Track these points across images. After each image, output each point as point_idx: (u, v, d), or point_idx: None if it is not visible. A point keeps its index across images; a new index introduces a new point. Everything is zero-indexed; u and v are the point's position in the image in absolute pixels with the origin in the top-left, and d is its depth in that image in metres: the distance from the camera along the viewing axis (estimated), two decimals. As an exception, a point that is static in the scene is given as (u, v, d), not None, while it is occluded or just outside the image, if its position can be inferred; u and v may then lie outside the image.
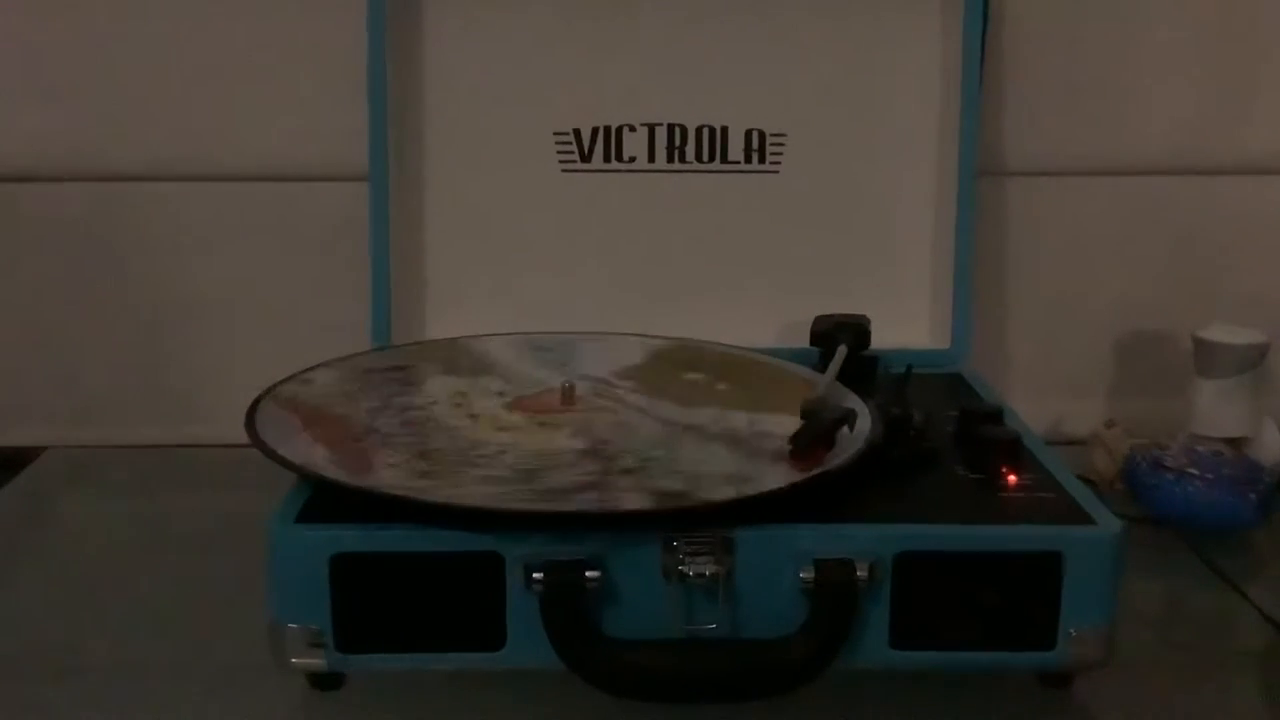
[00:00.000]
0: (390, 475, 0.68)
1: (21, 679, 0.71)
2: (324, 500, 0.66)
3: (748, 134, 0.95)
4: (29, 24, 0.98)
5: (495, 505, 0.63)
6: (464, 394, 0.80)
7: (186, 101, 0.99)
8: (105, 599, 0.80)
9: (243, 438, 0.70)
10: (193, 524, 0.91)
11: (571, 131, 0.95)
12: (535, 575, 0.63)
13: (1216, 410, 0.92)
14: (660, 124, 0.95)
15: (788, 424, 0.71)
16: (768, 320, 0.94)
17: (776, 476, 0.67)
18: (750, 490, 0.65)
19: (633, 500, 0.65)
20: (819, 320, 0.88)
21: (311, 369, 0.81)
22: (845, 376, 0.79)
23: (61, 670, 0.72)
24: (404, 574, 0.63)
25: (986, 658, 0.65)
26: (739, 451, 0.71)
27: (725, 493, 0.65)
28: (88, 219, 1.01)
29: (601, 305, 0.94)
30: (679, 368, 0.85)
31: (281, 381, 0.79)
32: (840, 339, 0.84)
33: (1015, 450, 0.72)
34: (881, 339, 0.87)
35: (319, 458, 0.69)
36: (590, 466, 0.69)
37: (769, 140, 0.95)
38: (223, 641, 0.74)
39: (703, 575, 0.63)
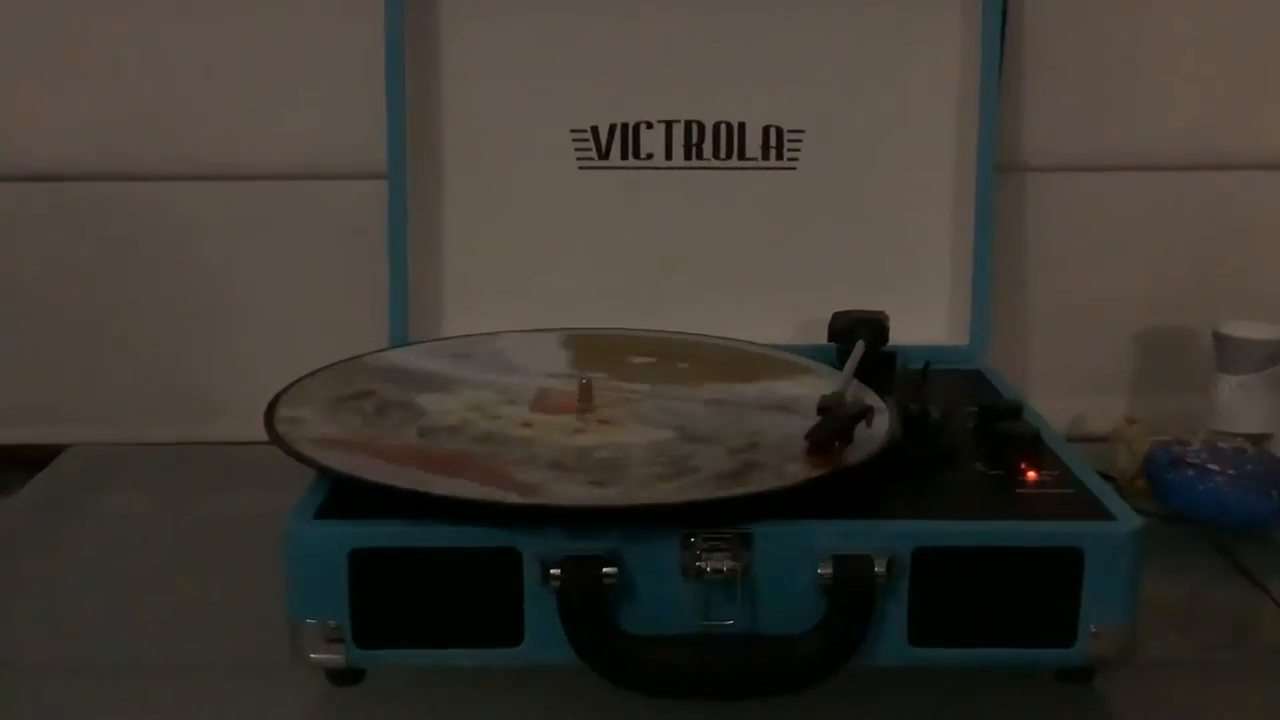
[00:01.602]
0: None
1: (43, 675, 0.72)
2: (342, 496, 0.66)
3: (765, 130, 0.95)
4: (43, 24, 0.98)
5: (513, 500, 0.63)
6: (477, 407, 0.78)
7: (206, 101, 0.99)
8: (126, 595, 0.80)
9: (262, 435, 0.70)
10: (213, 521, 0.92)
11: (589, 129, 0.95)
12: (553, 571, 0.63)
13: (1238, 406, 0.92)
14: (678, 121, 0.95)
15: (783, 388, 0.72)
16: (785, 316, 0.94)
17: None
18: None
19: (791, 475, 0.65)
20: (837, 316, 0.88)
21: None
22: (864, 373, 0.79)
23: (83, 666, 0.72)
24: (422, 570, 0.64)
25: (1006, 654, 0.65)
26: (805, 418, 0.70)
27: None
28: (109, 218, 1.01)
29: (618, 302, 0.94)
30: (618, 355, 0.85)
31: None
32: (858, 335, 0.84)
33: (1034, 446, 0.72)
34: (900, 335, 0.87)
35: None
36: (716, 453, 0.69)
37: (786, 137, 0.95)
38: (242, 637, 0.74)
39: (720, 571, 0.63)
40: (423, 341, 0.90)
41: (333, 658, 0.65)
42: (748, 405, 0.76)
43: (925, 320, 0.95)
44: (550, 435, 0.73)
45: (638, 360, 0.84)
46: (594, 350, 0.87)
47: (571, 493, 0.65)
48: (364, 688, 0.67)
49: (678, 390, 0.80)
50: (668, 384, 0.81)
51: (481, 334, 0.90)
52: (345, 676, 0.67)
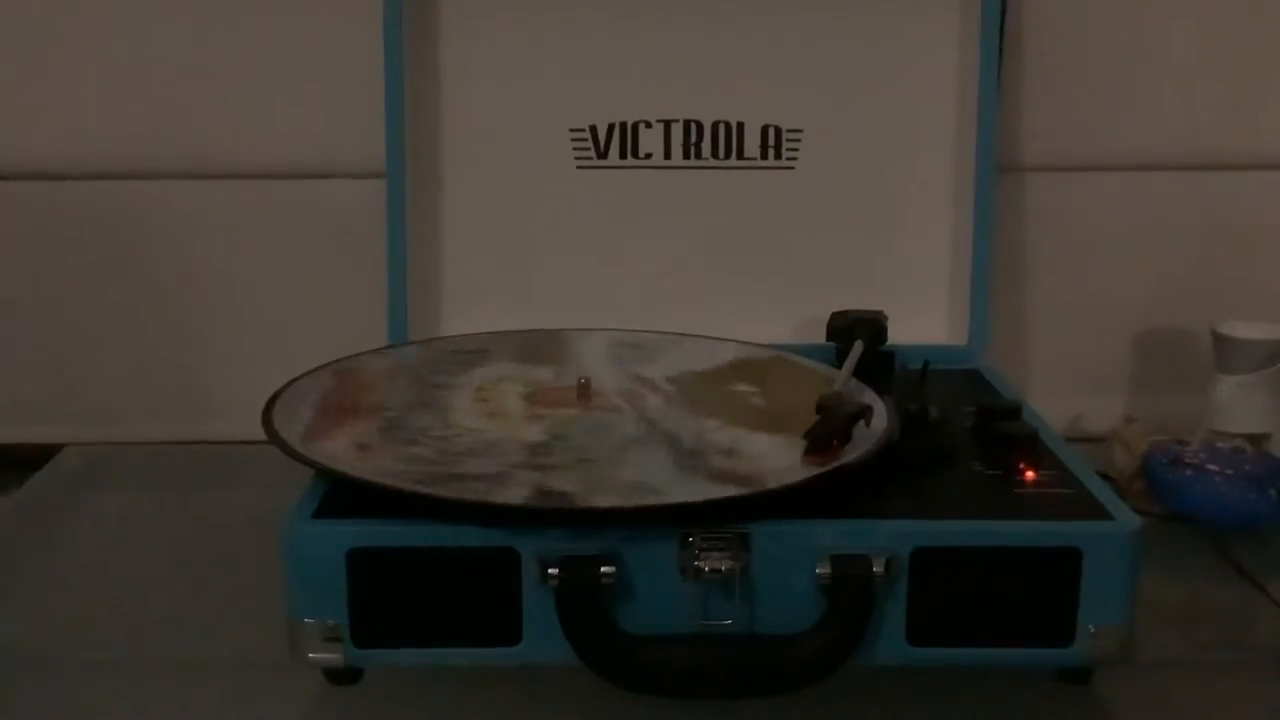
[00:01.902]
0: (335, 445, 0.69)
1: (41, 674, 0.72)
2: (341, 496, 0.66)
3: (764, 130, 0.95)
4: (41, 24, 0.98)
5: (512, 501, 0.63)
6: (502, 379, 0.81)
7: (205, 100, 0.99)
8: (124, 595, 0.80)
9: (260, 434, 0.70)
10: (212, 520, 0.92)
11: (588, 128, 0.95)
12: (551, 571, 0.63)
13: (1236, 406, 0.92)
14: (676, 120, 0.95)
15: (770, 444, 0.71)
16: (785, 316, 0.94)
17: (694, 491, 0.66)
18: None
19: (507, 494, 0.64)
20: (836, 316, 0.88)
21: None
22: (862, 372, 0.79)
23: (81, 665, 0.72)
24: (420, 569, 0.64)
25: (1004, 654, 0.65)
26: (677, 464, 0.70)
27: (609, 500, 0.64)
28: (105, 217, 1.01)
29: (618, 301, 0.94)
30: (740, 378, 0.83)
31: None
32: (857, 335, 0.84)
33: (1033, 446, 0.72)
34: (899, 335, 0.87)
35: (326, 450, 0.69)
36: (514, 458, 0.70)
37: (785, 136, 0.95)
38: (241, 636, 0.74)
39: (719, 571, 0.63)
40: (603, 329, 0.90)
41: (331, 657, 0.65)
42: (673, 440, 0.74)
43: (924, 320, 0.95)
44: (466, 419, 0.75)
45: (738, 387, 0.81)
46: (732, 370, 0.85)
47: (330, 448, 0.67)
48: (362, 687, 0.67)
49: (672, 415, 0.77)
50: (682, 409, 0.78)
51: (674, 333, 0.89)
52: (343, 676, 0.67)
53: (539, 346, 0.87)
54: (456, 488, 0.65)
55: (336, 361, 0.82)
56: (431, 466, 0.68)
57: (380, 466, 0.68)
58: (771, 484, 0.65)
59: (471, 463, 0.69)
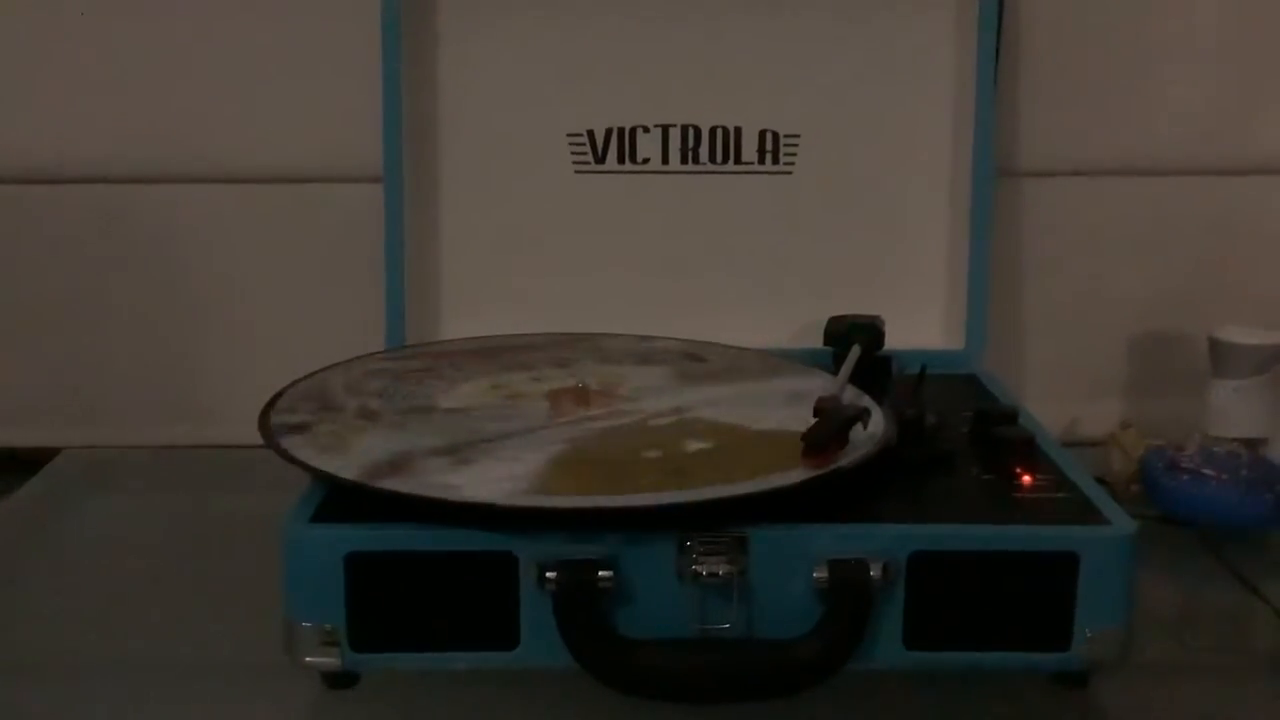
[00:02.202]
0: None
1: (38, 678, 0.72)
2: (338, 500, 0.66)
3: (761, 135, 0.95)
4: (38, 27, 0.98)
5: (508, 503, 0.63)
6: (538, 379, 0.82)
7: (202, 103, 0.99)
8: (121, 599, 0.80)
9: (258, 438, 0.70)
10: (208, 524, 0.92)
11: (585, 133, 0.95)
12: (549, 574, 0.63)
13: (1233, 411, 0.92)
14: (674, 125, 0.95)
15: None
16: (782, 321, 0.94)
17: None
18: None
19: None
20: (833, 321, 0.88)
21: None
22: (859, 377, 0.79)
23: (77, 669, 0.72)
24: (418, 573, 0.64)
25: (1001, 658, 0.65)
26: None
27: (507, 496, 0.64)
28: (102, 221, 1.01)
29: (615, 306, 0.94)
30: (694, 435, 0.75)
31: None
32: (854, 339, 0.84)
33: (1030, 451, 0.72)
34: (896, 340, 0.87)
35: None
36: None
37: (783, 141, 0.95)
38: (238, 641, 0.74)
39: (716, 575, 0.63)
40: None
41: (328, 661, 0.64)
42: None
43: (921, 325, 0.95)
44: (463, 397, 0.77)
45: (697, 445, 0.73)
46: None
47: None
48: (359, 691, 0.67)
49: (636, 432, 0.74)
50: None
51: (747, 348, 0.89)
52: (341, 679, 0.67)
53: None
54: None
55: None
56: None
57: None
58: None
59: (507, 423, 0.71)
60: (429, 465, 0.67)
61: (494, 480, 0.65)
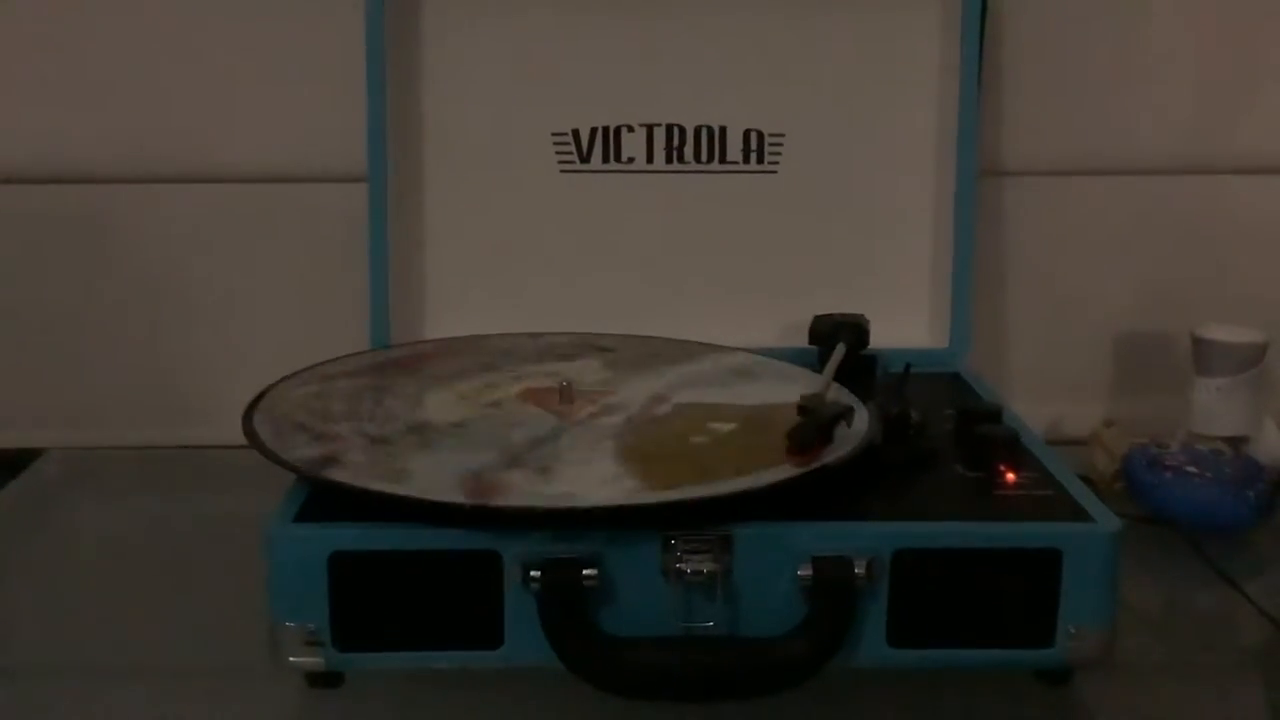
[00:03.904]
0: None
1: (22, 680, 0.71)
2: (322, 499, 0.66)
3: (746, 134, 0.95)
4: (25, 27, 0.98)
5: (492, 503, 0.63)
6: (491, 383, 0.81)
7: (185, 103, 0.99)
8: (105, 600, 0.80)
9: (241, 439, 0.70)
10: (192, 525, 0.91)
11: (570, 132, 0.95)
12: (533, 573, 0.63)
13: (1216, 409, 0.92)
14: (659, 124, 0.95)
15: (599, 484, 0.67)
16: (767, 320, 0.94)
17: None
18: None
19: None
20: (818, 320, 0.88)
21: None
22: (844, 376, 0.79)
23: (62, 671, 0.72)
24: (402, 572, 0.63)
25: (985, 655, 0.65)
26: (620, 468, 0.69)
27: (532, 501, 0.64)
28: (86, 221, 1.01)
29: (600, 306, 0.94)
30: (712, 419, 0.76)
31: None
32: (839, 338, 0.84)
33: (1013, 448, 0.72)
34: (881, 338, 0.87)
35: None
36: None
37: (767, 140, 0.95)
38: (221, 642, 0.73)
39: (701, 573, 0.63)
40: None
41: (312, 661, 0.64)
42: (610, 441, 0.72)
43: (906, 324, 0.95)
44: (453, 409, 0.76)
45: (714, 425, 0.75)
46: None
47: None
48: (344, 691, 0.67)
49: (628, 427, 0.75)
50: (648, 423, 0.76)
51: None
52: (325, 680, 0.67)
53: (515, 350, 0.87)
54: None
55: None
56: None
57: (405, 469, 0.67)
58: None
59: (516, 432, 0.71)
60: (513, 479, 0.66)
61: (594, 483, 0.65)
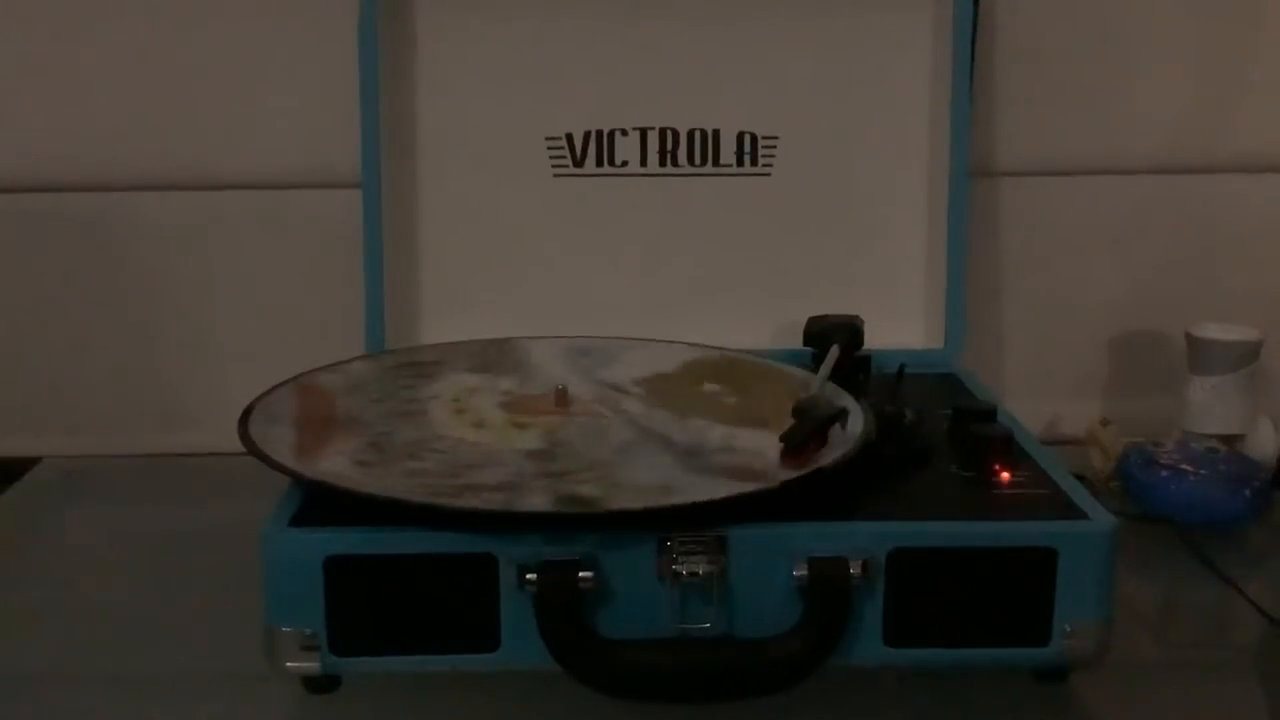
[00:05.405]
0: (332, 463, 0.68)
1: (17, 689, 0.71)
2: (317, 504, 0.66)
3: (739, 137, 0.95)
4: (21, 35, 0.98)
5: (487, 507, 0.63)
6: (472, 390, 0.80)
7: (179, 110, 0.99)
8: (101, 608, 0.80)
9: (237, 445, 0.70)
10: (188, 532, 0.91)
11: (564, 136, 0.95)
12: (529, 576, 0.63)
13: (1211, 407, 0.93)
14: (652, 128, 0.95)
15: (764, 440, 0.70)
16: (762, 322, 0.94)
17: (714, 488, 0.66)
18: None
19: (533, 502, 0.64)
20: (812, 321, 0.88)
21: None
22: (839, 376, 0.79)
23: (57, 679, 0.72)
24: (398, 576, 0.63)
25: (981, 654, 0.65)
26: (685, 464, 0.70)
27: (638, 501, 0.64)
28: (80, 228, 1.01)
29: (595, 309, 0.94)
30: (703, 378, 0.83)
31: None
32: (834, 339, 0.84)
33: (1008, 448, 0.72)
34: (875, 339, 0.87)
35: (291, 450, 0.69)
36: (523, 467, 0.69)
37: (761, 143, 0.95)
38: (218, 648, 0.73)
39: (696, 574, 0.63)
40: (554, 337, 0.90)
41: (308, 665, 0.64)
42: (670, 442, 0.73)
43: (900, 324, 0.95)
44: (453, 428, 0.75)
45: (707, 388, 0.82)
46: (693, 370, 0.85)
47: (329, 464, 0.66)
48: (340, 695, 0.67)
49: (658, 418, 0.77)
50: (664, 410, 0.78)
51: (623, 338, 0.90)
52: (321, 684, 0.66)
53: (491, 356, 0.87)
54: (473, 498, 0.64)
55: (307, 373, 0.82)
56: (442, 480, 0.67)
57: (390, 484, 0.66)
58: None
59: (481, 474, 0.68)
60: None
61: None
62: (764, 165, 0.96)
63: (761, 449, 0.70)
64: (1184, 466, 0.87)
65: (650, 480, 0.68)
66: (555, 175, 0.95)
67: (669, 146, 0.95)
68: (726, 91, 0.95)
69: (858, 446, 0.69)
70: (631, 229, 0.96)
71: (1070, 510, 0.67)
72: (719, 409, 0.78)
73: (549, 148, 0.95)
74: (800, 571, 0.63)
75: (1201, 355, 0.93)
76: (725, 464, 0.69)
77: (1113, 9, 1.00)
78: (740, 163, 0.96)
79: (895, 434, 0.73)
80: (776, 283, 0.96)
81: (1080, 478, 0.73)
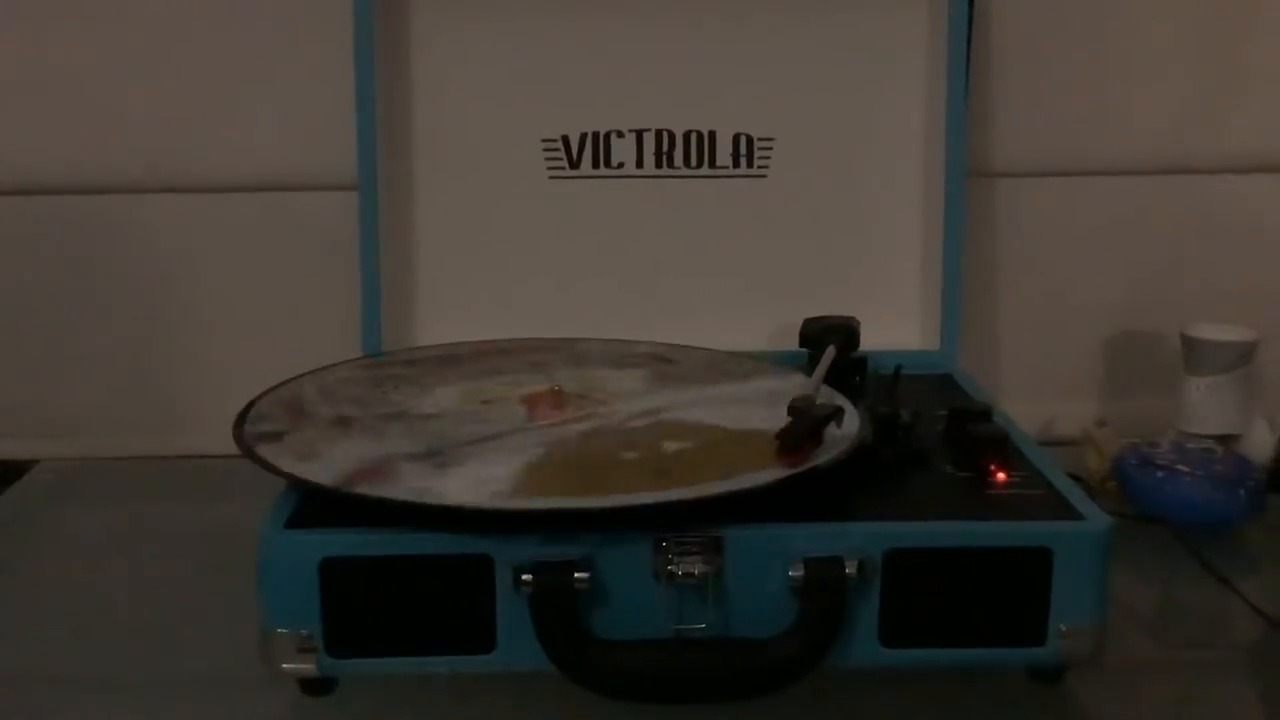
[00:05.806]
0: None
1: (13, 691, 0.71)
2: (313, 506, 0.66)
3: (735, 138, 0.95)
4: (10, 38, 0.98)
5: (483, 505, 0.63)
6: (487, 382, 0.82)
7: (175, 112, 0.99)
8: (98, 611, 0.80)
9: (234, 448, 0.70)
10: (184, 535, 0.91)
11: (560, 138, 0.95)
12: (524, 577, 0.63)
13: (1206, 408, 0.93)
14: (648, 130, 0.95)
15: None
16: (757, 323, 0.94)
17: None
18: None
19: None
20: (808, 323, 0.88)
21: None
22: (835, 378, 0.79)
23: (54, 682, 0.72)
24: (394, 577, 0.63)
25: (977, 654, 0.65)
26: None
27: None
28: (76, 231, 1.01)
29: (591, 311, 0.94)
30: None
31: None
32: (830, 341, 0.84)
33: (1003, 448, 0.72)
34: (871, 341, 0.87)
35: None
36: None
37: (757, 144, 0.95)
38: (215, 649, 0.73)
39: (692, 575, 0.63)
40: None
41: (305, 667, 0.64)
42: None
43: (896, 325, 0.95)
44: (448, 403, 0.77)
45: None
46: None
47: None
48: (336, 697, 0.67)
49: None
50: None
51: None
52: (317, 686, 0.67)
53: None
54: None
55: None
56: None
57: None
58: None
59: (485, 426, 0.71)
60: (408, 470, 0.67)
61: (474, 484, 0.65)
62: (760, 167, 0.96)
63: (458, 487, 0.67)
64: (1180, 467, 0.87)
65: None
66: (551, 177, 0.95)
67: (665, 148, 0.95)
68: (722, 93, 0.95)
69: (853, 447, 0.69)
70: (627, 231, 0.96)
71: (1066, 511, 0.67)
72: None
73: (545, 150, 0.95)
74: (796, 572, 0.63)
75: (1197, 356, 0.93)
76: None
77: (1107, 10, 1.00)
78: (736, 164, 0.96)
79: (891, 435, 0.73)
80: (772, 284, 0.96)
81: (1076, 478, 0.73)
